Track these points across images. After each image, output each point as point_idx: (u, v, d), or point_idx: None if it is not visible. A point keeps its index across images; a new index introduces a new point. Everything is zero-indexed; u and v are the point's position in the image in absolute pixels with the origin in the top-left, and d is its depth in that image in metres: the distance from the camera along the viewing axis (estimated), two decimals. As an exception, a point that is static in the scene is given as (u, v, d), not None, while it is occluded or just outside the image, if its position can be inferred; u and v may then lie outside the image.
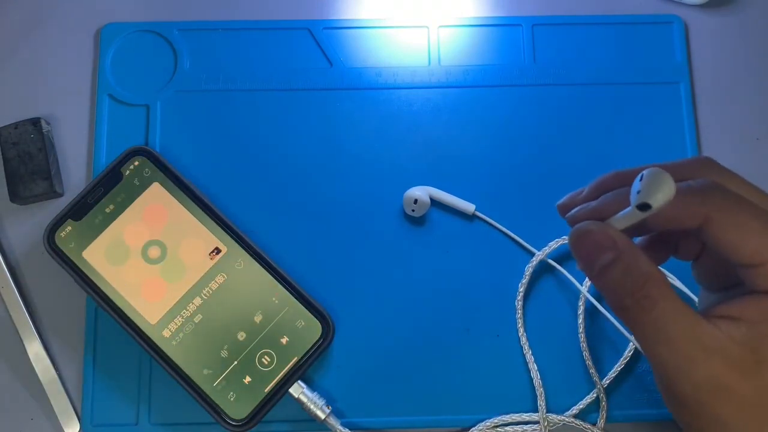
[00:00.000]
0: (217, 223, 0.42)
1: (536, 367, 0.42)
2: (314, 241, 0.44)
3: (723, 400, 0.28)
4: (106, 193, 0.42)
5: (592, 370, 0.42)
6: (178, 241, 0.42)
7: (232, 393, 0.40)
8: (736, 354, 0.28)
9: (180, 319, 0.41)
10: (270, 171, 0.45)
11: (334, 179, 0.45)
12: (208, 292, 0.41)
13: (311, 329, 0.41)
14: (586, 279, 0.43)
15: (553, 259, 0.44)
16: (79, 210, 0.42)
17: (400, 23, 0.48)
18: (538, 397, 0.41)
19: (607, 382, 0.42)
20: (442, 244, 0.44)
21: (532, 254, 0.44)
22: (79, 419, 0.42)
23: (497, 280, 0.44)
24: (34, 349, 0.42)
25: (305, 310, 0.41)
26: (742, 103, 0.47)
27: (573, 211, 0.32)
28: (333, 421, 0.40)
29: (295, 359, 0.41)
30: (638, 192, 0.27)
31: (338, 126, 0.46)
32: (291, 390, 0.40)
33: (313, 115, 0.46)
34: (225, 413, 0.40)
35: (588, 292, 0.43)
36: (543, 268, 0.44)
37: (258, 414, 0.40)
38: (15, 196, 0.43)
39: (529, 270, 0.43)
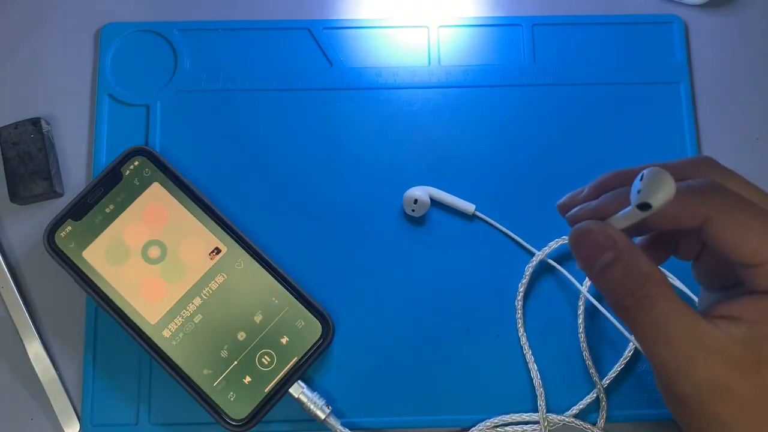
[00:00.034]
0: (217, 223, 0.42)
1: (536, 367, 0.42)
2: (314, 241, 0.44)
3: (723, 400, 0.28)
4: (106, 193, 0.42)
5: (592, 370, 0.42)
6: (178, 241, 0.42)
7: (232, 393, 0.40)
8: (736, 354, 0.28)
9: (180, 319, 0.41)
10: (270, 171, 0.45)
11: (334, 179, 0.45)
12: (208, 292, 0.41)
13: (311, 329, 0.41)
14: (586, 279, 0.43)
15: (553, 259, 0.44)
16: (79, 210, 0.42)
17: (400, 23, 0.48)
18: (538, 397, 0.41)
19: (607, 382, 0.42)
20: (442, 244, 0.44)
21: (532, 254, 0.44)
22: (79, 419, 0.42)
23: (497, 280, 0.44)
24: (34, 349, 0.42)
25: (305, 310, 0.41)
26: (742, 103, 0.47)
27: (573, 210, 0.32)
28: (333, 421, 0.40)
29: (295, 359, 0.41)
30: (638, 191, 0.27)
31: (338, 126, 0.46)
32: (291, 390, 0.40)
33: (313, 115, 0.46)
34: (225, 413, 0.40)
35: (588, 292, 0.43)
36: (543, 268, 0.44)
37: (258, 414, 0.40)
38: (15, 196, 0.43)
39: (529, 270, 0.43)
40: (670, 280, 0.42)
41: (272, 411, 0.40)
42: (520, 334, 0.43)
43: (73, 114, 0.46)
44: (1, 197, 0.44)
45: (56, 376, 0.42)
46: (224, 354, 0.40)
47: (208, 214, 0.42)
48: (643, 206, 0.27)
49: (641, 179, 0.27)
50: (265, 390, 0.40)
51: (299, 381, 0.40)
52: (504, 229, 0.44)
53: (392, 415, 0.42)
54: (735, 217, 0.29)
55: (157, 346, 0.40)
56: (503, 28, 0.48)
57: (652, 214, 0.28)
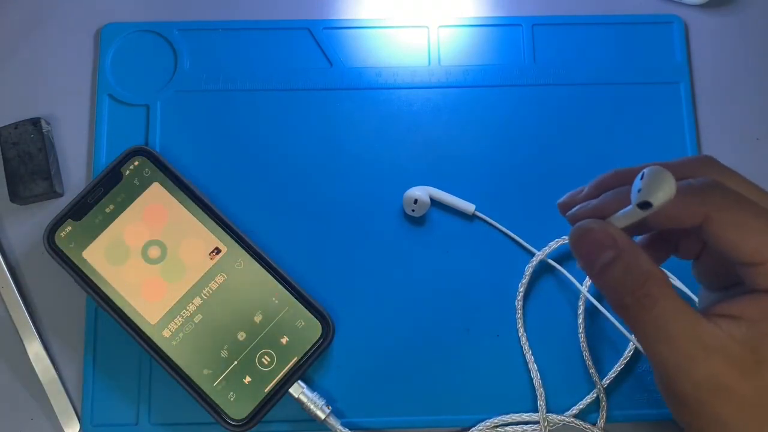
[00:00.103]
0: (217, 223, 0.42)
1: (536, 367, 0.42)
2: (314, 241, 0.44)
3: (723, 400, 0.28)
4: (106, 193, 0.42)
5: (592, 370, 0.42)
6: (178, 241, 0.42)
7: (232, 393, 0.40)
8: (736, 353, 0.28)
9: (180, 319, 0.41)
10: (270, 171, 0.45)
11: (334, 179, 0.45)
12: (208, 292, 0.41)
13: (311, 329, 0.41)
14: (586, 279, 0.43)
15: (553, 259, 0.44)
16: (79, 210, 0.42)
17: (400, 23, 0.48)
18: (538, 397, 0.41)
19: (607, 382, 0.42)
20: (442, 244, 0.44)
21: (532, 254, 0.44)
22: (79, 419, 0.42)
23: (497, 280, 0.44)
24: (34, 349, 0.42)
25: (305, 310, 0.41)
26: (742, 103, 0.47)
27: (573, 209, 0.32)
28: (333, 421, 0.40)
29: (295, 359, 0.41)
30: (639, 190, 0.27)
31: (338, 126, 0.46)
32: (291, 390, 0.40)
33: (313, 115, 0.46)
34: (225, 413, 0.40)
35: (588, 292, 0.43)
36: (543, 268, 0.44)
37: (258, 414, 0.40)
38: (15, 196, 0.43)
39: (529, 270, 0.43)
40: (670, 279, 0.42)
41: (272, 411, 0.40)
42: (520, 334, 0.43)
43: (73, 114, 0.46)
44: (1, 197, 0.44)
45: (56, 376, 0.42)
46: (224, 354, 0.40)
47: (208, 214, 0.42)
48: (644, 205, 0.27)
49: (642, 178, 0.27)
50: (265, 390, 0.40)
51: (299, 381, 0.40)
52: (504, 229, 0.44)
53: (392, 415, 0.42)
54: (735, 216, 0.29)
55: (157, 346, 0.40)
56: (503, 28, 0.48)
57: (653, 213, 0.27)
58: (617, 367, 0.42)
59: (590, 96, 0.46)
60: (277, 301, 0.41)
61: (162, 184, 0.42)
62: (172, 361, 0.40)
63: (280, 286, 0.42)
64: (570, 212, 0.32)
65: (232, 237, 0.42)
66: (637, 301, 0.29)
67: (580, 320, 0.43)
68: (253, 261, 0.42)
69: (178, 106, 0.46)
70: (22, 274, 0.44)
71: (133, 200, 0.42)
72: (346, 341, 0.43)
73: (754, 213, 0.28)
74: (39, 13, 0.48)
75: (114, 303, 0.41)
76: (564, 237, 0.43)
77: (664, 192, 0.27)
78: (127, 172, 0.43)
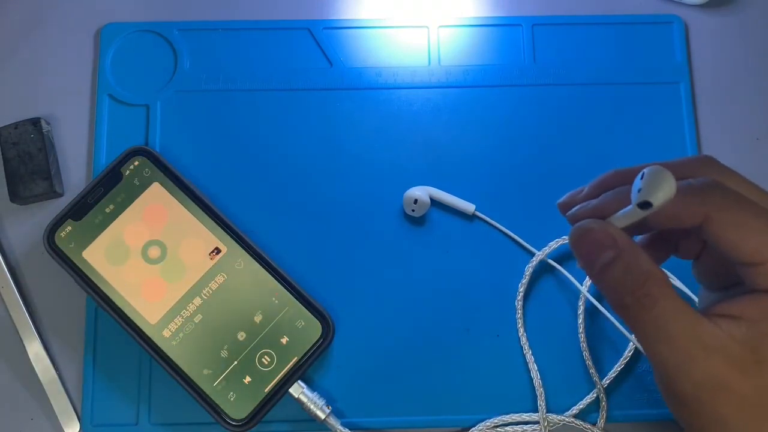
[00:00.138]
0: (217, 223, 0.42)
1: (536, 367, 0.42)
2: (314, 241, 0.44)
3: (723, 399, 0.28)
4: (106, 193, 0.42)
5: (592, 370, 0.42)
6: (178, 241, 0.42)
7: (232, 393, 0.40)
8: (736, 353, 0.28)
9: (180, 319, 0.41)
10: (270, 171, 0.45)
11: (334, 179, 0.45)
12: (208, 292, 0.41)
13: (311, 329, 0.41)
14: (586, 279, 0.43)
15: (553, 259, 0.44)
16: (79, 210, 0.42)
17: (400, 23, 0.48)
18: (538, 397, 0.41)
19: (607, 382, 0.42)
20: (442, 244, 0.44)
21: (532, 254, 0.44)
22: (79, 419, 0.42)
23: (497, 280, 0.44)
24: (34, 349, 0.42)
25: (305, 310, 0.41)
26: (742, 103, 0.47)
27: (574, 209, 0.32)
28: (333, 421, 0.40)
29: (295, 359, 0.41)
30: (639, 190, 0.27)
31: (338, 126, 0.46)
32: (291, 390, 0.40)
33: (313, 115, 0.46)
34: (225, 413, 0.40)
35: (588, 292, 0.43)
36: (543, 268, 0.44)
37: (258, 414, 0.40)
38: (15, 196, 0.43)
39: (529, 270, 0.43)
40: (670, 279, 0.42)
41: (272, 411, 0.40)
42: (520, 334, 0.43)
43: (73, 114, 0.46)
44: (1, 197, 0.44)
45: (56, 376, 0.42)
46: (224, 354, 0.40)
47: (208, 214, 0.42)
48: (644, 205, 0.27)
49: (642, 178, 0.27)
50: (265, 390, 0.40)
51: (299, 381, 0.40)
52: (504, 229, 0.44)
53: (392, 415, 0.42)
54: (735, 216, 0.29)
55: (157, 346, 0.40)
56: (503, 28, 0.48)
57: (653, 213, 0.27)
58: (617, 367, 0.42)
59: (590, 96, 0.46)
60: (277, 301, 0.41)
61: (162, 184, 0.42)
62: (172, 361, 0.40)
63: (280, 286, 0.42)
64: (570, 212, 0.32)
65: (232, 237, 0.42)
66: (637, 300, 0.29)
67: (580, 320, 0.43)
68: (253, 261, 0.42)
69: (178, 106, 0.46)
70: (22, 274, 0.44)
71: (133, 200, 0.42)
72: (346, 341, 0.43)
73: (754, 213, 0.28)
74: (39, 13, 0.48)
75: (114, 303, 0.41)
76: (564, 237, 0.43)
77: (664, 192, 0.27)
78: (127, 172, 0.43)
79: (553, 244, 0.43)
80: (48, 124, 0.45)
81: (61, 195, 0.45)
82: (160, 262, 0.42)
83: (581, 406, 0.41)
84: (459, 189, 0.44)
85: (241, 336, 0.41)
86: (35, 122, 0.44)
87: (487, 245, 0.44)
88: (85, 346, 0.42)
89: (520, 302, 0.43)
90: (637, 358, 0.42)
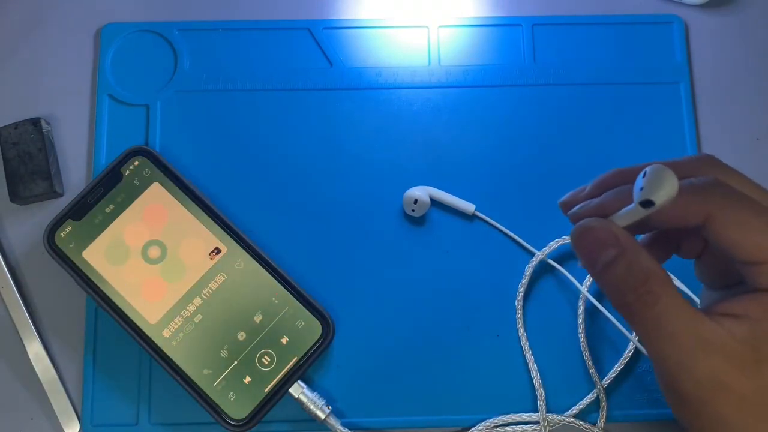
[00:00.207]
0: (217, 223, 0.42)
1: (536, 367, 0.42)
2: (314, 241, 0.44)
3: (723, 398, 0.28)
4: (106, 193, 0.42)
5: (592, 370, 0.42)
6: (178, 241, 0.42)
7: (232, 393, 0.40)
8: (737, 351, 0.28)
9: (180, 319, 0.41)
10: (270, 171, 0.45)
11: (334, 179, 0.45)
12: (208, 292, 0.41)
13: (311, 329, 0.41)
14: (587, 279, 0.43)
15: (553, 259, 0.44)
16: (79, 210, 0.42)
17: (400, 23, 0.48)
18: (538, 397, 0.41)
19: (607, 382, 0.42)
20: (442, 244, 0.44)
21: (532, 254, 0.44)
22: (79, 419, 0.42)
23: (497, 280, 0.44)
24: (34, 349, 0.42)
25: (305, 310, 0.41)
26: (742, 103, 0.47)
27: (575, 208, 0.32)
28: (333, 421, 0.40)
29: (295, 359, 0.41)
30: (641, 189, 0.27)
31: (338, 126, 0.46)
32: (291, 390, 0.40)
33: (313, 115, 0.46)
34: (225, 413, 0.40)
35: (588, 292, 0.43)
36: (543, 268, 0.44)
37: (258, 414, 0.40)
38: (15, 196, 0.43)
39: (529, 270, 0.43)
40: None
41: (272, 411, 0.40)
42: (520, 334, 0.43)
43: (73, 114, 0.46)
44: (1, 197, 0.44)
45: (56, 376, 0.42)
46: (224, 354, 0.40)
47: (208, 214, 0.42)
48: (646, 203, 0.27)
49: (644, 176, 0.27)
50: (265, 390, 0.40)
51: (299, 381, 0.40)
52: (504, 229, 0.44)
53: (392, 415, 0.42)
54: (737, 214, 0.29)
55: (157, 346, 0.40)
56: (503, 28, 0.48)
57: (654, 212, 0.27)
58: (617, 367, 0.42)
59: (590, 96, 0.46)
60: (277, 301, 0.41)
61: (162, 184, 0.42)
62: (172, 361, 0.40)
63: (280, 286, 0.42)
64: (572, 211, 0.32)
65: (232, 237, 0.42)
66: (639, 298, 0.29)
67: (580, 320, 0.43)
68: (253, 261, 0.42)
69: (178, 106, 0.46)
70: (22, 274, 0.44)
71: (133, 200, 0.42)
72: (346, 341, 0.43)
73: (755, 212, 0.28)
74: (39, 13, 0.48)
75: (114, 303, 0.41)
76: (564, 237, 0.43)
77: (666, 190, 0.27)
78: (127, 172, 0.43)
79: (553, 244, 0.43)
80: (48, 124, 0.45)
81: (61, 195, 0.45)
82: (160, 262, 0.42)
83: (581, 406, 0.41)
84: (459, 189, 0.44)
85: (241, 336, 0.41)
86: (35, 122, 0.44)
87: (487, 245, 0.44)
88: (85, 346, 0.42)
89: (520, 302, 0.43)
90: (637, 358, 0.42)
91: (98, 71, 0.46)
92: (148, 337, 0.40)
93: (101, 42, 0.47)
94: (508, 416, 0.41)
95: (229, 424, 0.39)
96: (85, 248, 0.41)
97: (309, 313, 0.41)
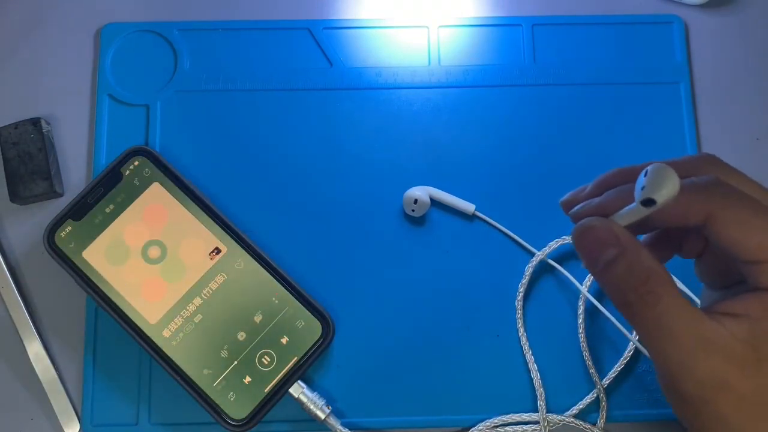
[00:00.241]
0: (217, 223, 0.42)
1: (536, 367, 0.42)
2: (314, 241, 0.44)
3: (724, 397, 0.28)
4: (106, 193, 0.42)
5: (592, 370, 0.42)
6: (178, 241, 0.42)
7: (232, 393, 0.40)
8: (738, 351, 0.28)
9: (180, 319, 0.41)
10: (270, 171, 0.45)
11: (334, 179, 0.45)
12: (208, 292, 0.41)
13: (311, 329, 0.41)
14: (586, 279, 0.43)
15: (553, 259, 0.44)
16: (79, 210, 0.42)
17: (400, 23, 0.48)
18: (538, 397, 0.41)
19: (607, 382, 0.42)
20: (442, 244, 0.44)
21: (532, 254, 0.44)
22: (79, 419, 0.42)
23: (497, 280, 0.44)
24: (34, 349, 0.42)
25: (305, 310, 0.41)
26: (742, 103, 0.47)
27: (576, 207, 0.32)
28: (333, 421, 0.40)
29: (295, 359, 0.41)
30: (643, 188, 0.27)
31: (338, 126, 0.46)
32: (291, 390, 0.40)
33: (313, 115, 0.46)
34: (225, 413, 0.40)
35: (588, 292, 0.43)
36: (543, 268, 0.44)
37: (258, 414, 0.40)
38: (15, 196, 0.43)
39: (529, 270, 0.43)
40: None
41: (272, 411, 0.40)
42: (520, 334, 0.43)
43: (73, 114, 0.46)
44: (1, 197, 0.44)
45: (56, 376, 0.42)
46: (224, 354, 0.40)
47: (208, 214, 0.42)
48: (647, 202, 0.27)
49: (645, 175, 0.27)
50: (265, 390, 0.40)
51: (299, 381, 0.40)
52: (504, 229, 0.44)
53: (392, 415, 0.42)
54: (738, 214, 0.29)
55: (157, 346, 0.40)
56: (503, 28, 0.48)
57: (656, 211, 0.27)
58: (617, 367, 0.42)
59: (590, 96, 0.46)
60: (277, 301, 0.41)
61: (162, 184, 0.42)
62: (172, 361, 0.40)
63: (280, 286, 0.42)
64: (573, 210, 0.32)
65: (232, 237, 0.42)
66: (640, 298, 0.29)
67: (580, 320, 0.43)
68: (253, 261, 0.42)
69: (178, 106, 0.46)
70: (22, 274, 0.44)
71: (133, 200, 0.42)
72: (346, 341, 0.43)
73: (756, 211, 0.29)
74: (39, 13, 0.48)
75: (114, 303, 0.41)
76: (564, 237, 0.43)
77: (667, 189, 0.27)
78: (127, 172, 0.42)
79: (553, 244, 0.43)
80: (48, 124, 0.45)
81: (61, 195, 0.45)
82: (160, 262, 0.42)
83: (581, 406, 0.41)
84: (459, 189, 0.44)
85: (241, 336, 0.41)
86: (35, 122, 0.44)
87: (487, 245, 0.44)
88: (85, 346, 0.42)
89: (520, 302, 0.43)
90: (637, 358, 0.42)
91: (98, 71, 0.46)
92: (148, 337, 0.40)
93: (101, 42, 0.47)
94: (508, 416, 0.41)
95: (229, 424, 0.39)
96: (85, 248, 0.41)
97: (309, 313, 0.41)
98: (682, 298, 0.29)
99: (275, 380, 0.40)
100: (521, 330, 0.43)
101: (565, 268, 0.43)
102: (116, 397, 0.42)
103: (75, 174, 0.45)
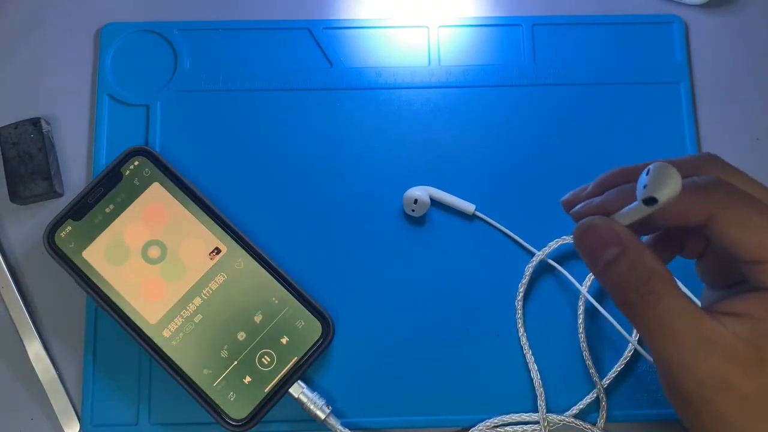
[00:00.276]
0: (217, 223, 0.42)
1: (536, 367, 0.42)
2: (314, 241, 0.44)
3: (726, 397, 0.28)
4: (106, 193, 0.42)
5: (592, 370, 0.42)
6: (178, 241, 0.42)
7: (232, 393, 0.40)
8: (739, 351, 0.28)
9: (180, 319, 0.41)
10: (270, 171, 0.45)
11: (334, 179, 0.45)
12: (208, 292, 0.41)
13: (311, 329, 0.41)
14: (586, 279, 0.43)
15: (553, 259, 0.44)
16: (79, 210, 0.42)
17: (400, 23, 0.48)
18: (538, 397, 0.41)
19: (607, 382, 0.42)
20: (442, 244, 0.44)
21: (532, 254, 0.44)
22: (79, 419, 0.42)
23: (497, 280, 0.44)
24: (34, 349, 0.42)
25: (305, 310, 0.41)
26: (742, 103, 0.47)
27: (578, 206, 0.32)
28: (333, 421, 0.40)
29: (295, 359, 0.41)
30: (644, 186, 0.27)
31: (338, 126, 0.46)
32: (291, 390, 0.40)
33: (313, 115, 0.46)
34: (225, 413, 0.40)
35: (588, 292, 0.43)
36: (543, 268, 0.44)
37: (258, 414, 0.40)
38: (15, 196, 0.43)
39: (529, 270, 0.43)
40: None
41: (272, 411, 0.40)
42: (520, 334, 0.43)
43: (73, 114, 0.46)
44: (1, 197, 0.44)
45: (56, 376, 0.42)
46: (224, 354, 0.40)
47: (208, 214, 0.42)
48: (649, 201, 0.27)
49: (647, 174, 0.27)
50: (265, 390, 0.40)
51: (299, 381, 0.40)
52: (504, 229, 0.44)
53: (392, 415, 0.42)
54: (739, 213, 0.29)
55: (157, 346, 0.40)
56: (503, 28, 0.48)
57: (657, 210, 0.27)
58: (617, 367, 0.42)
59: (590, 96, 0.46)
60: (277, 301, 0.41)
61: (162, 184, 0.42)
62: (172, 361, 0.40)
63: (280, 286, 0.41)
64: (574, 210, 0.32)
65: (232, 237, 0.42)
66: (641, 298, 0.29)
67: (580, 320, 0.43)
68: (253, 261, 0.42)
69: (178, 106, 0.46)
70: (22, 274, 0.44)
71: (133, 200, 0.42)
72: (346, 341, 0.42)
73: (758, 210, 0.29)
74: (39, 13, 0.48)
75: (114, 303, 0.41)
76: (564, 237, 0.43)
77: (669, 188, 0.26)
78: (127, 172, 0.42)
79: (553, 244, 0.43)
80: (48, 124, 0.45)
81: (61, 195, 0.45)
82: (160, 262, 0.42)
83: (581, 406, 0.41)
84: (459, 189, 0.44)
85: (241, 336, 0.41)
86: (35, 122, 0.44)
87: (487, 245, 0.44)
88: (85, 346, 0.42)
89: (520, 302, 0.43)
90: (637, 358, 0.42)
91: (98, 71, 0.46)
92: (148, 337, 0.40)
93: (101, 42, 0.47)
94: (508, 416, 0.41)
95: (229, 424, 0.39)
96: (85, 248, 0.41)
97: (309, 313, 0.41)
98: (683, 297, 0.29)
99: (275, 380, 0.40)
100: (521, 330, 0.43)
101: (565, 268, 0.43)
102: (116, 397, 0.42)
103: (75, 174, 0.45)
